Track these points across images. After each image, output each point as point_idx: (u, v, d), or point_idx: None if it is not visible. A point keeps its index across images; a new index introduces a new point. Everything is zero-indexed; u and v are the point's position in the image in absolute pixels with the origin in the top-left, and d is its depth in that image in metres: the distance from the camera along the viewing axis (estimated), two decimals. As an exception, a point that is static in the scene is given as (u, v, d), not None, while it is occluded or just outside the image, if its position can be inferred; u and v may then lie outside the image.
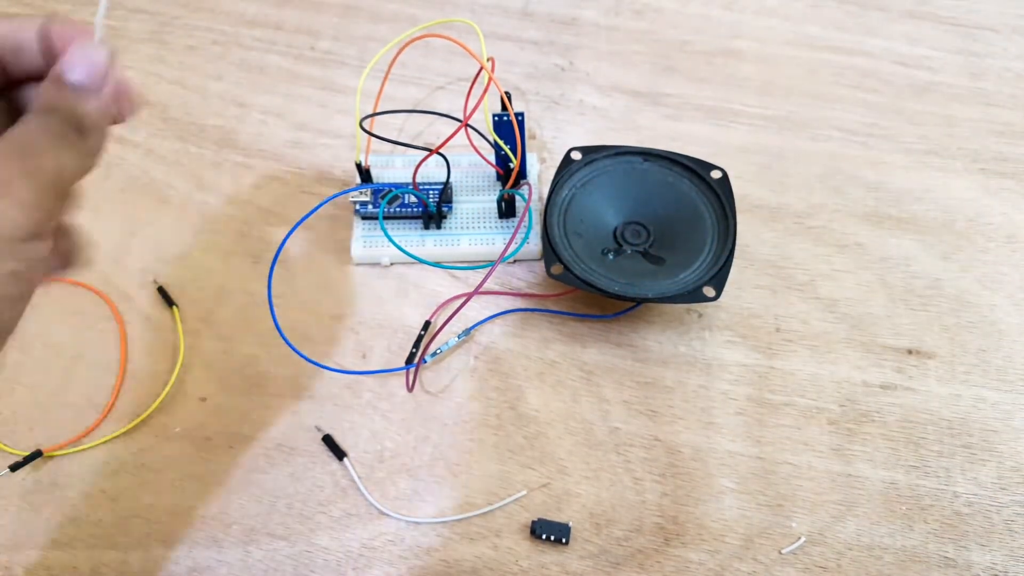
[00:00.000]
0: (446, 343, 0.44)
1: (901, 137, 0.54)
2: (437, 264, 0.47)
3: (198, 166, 0.52)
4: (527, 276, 0.47)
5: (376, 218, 0.48)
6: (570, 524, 0.39)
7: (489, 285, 0.46)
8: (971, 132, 0.54)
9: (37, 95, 0.25)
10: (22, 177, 0.22)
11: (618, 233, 0.45)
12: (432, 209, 0.47)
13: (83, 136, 0.24)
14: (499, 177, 0.49)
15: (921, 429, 0.42)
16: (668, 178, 0.46)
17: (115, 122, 0.26)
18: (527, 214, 0.46)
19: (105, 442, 0.41)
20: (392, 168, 0.50)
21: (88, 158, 0.25)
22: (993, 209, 0.50)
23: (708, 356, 0.44)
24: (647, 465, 0.41)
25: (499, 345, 0.45)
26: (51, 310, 0.46)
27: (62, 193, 0.24)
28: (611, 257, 0.44)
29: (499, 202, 0.47)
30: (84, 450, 0.41)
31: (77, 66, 0.24)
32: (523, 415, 0.42)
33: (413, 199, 0.47)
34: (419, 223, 0.48)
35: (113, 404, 0.43)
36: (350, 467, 0.40)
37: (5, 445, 0.41)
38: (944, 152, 0.53)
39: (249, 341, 0.45)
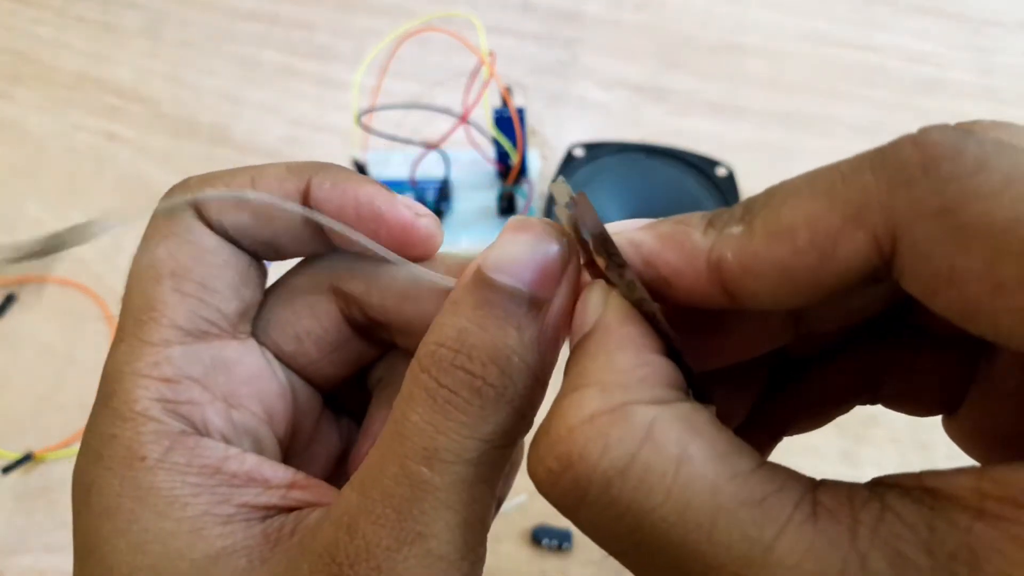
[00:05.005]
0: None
1: (909, 134, 0.53)
2: (436, 263, 0.46)
3: (191, 163, 0.51)
4: (528, 275, 0.47)
5: (374, 216, 0.47)
6: (572, 530, 0.38)
7: (489, 285, 0.46)
8: (980, 128, 0.53)
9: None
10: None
11: (621, 232, 0.45)
12: (431, 207, 0.46)
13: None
14: (499, 174, 0.48)
15: (928, 432, 0.41)
16: (672, 175, 0.45)
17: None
18: (528, 212, 0.45)
19: (97, 445, 0.41)
20: (390, 165, 0.50)
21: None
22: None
23: (712, 357, 0.43)
24: (650, 469, 0.40)
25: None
26: (42, 311, 0.45)
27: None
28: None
29: (499, 199, 0.47)
30: (76, 453, 0.41)
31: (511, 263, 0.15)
32: (524, 418, 0.42)
33: (411, 197, 0.46)
34: (418, 221, 0.47)
35: (106, 406, 0.42)
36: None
37: (-5, 448, 0.41)
38: (952, 149, 0.52)
39: (244, 342, 0.44)
